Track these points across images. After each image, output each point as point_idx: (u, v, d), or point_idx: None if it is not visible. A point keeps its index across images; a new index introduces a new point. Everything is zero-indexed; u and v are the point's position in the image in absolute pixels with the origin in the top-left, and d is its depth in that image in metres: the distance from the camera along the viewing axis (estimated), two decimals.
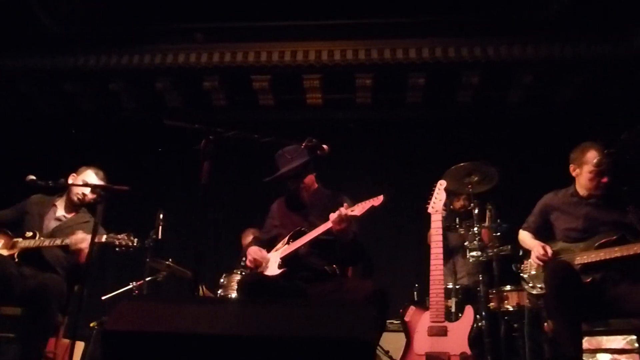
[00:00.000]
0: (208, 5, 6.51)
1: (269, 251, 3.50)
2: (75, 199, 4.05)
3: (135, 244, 3.77)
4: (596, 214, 3.44)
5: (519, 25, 6.54)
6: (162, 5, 6.55)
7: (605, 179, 3.40)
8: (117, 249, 3.73)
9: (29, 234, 3.81)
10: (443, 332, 3.30)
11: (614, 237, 3.25)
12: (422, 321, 3.40)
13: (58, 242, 3.72)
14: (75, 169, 4.17)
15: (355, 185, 6.72)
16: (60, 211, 4.08)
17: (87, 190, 4.02)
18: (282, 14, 6.54)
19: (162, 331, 1.78)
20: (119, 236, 3.73)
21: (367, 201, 3.13)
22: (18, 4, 6.43)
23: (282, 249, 3.35)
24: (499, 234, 4.74)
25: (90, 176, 4.02)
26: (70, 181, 4.01)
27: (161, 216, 4.96)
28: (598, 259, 3.22)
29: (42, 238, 3.78)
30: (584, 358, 3.75)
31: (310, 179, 3.63)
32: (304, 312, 1.82)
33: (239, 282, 3.35)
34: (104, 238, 3.69)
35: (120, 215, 6.12)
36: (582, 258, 3.27)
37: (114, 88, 7.30)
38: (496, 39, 6.65)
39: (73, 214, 4.10)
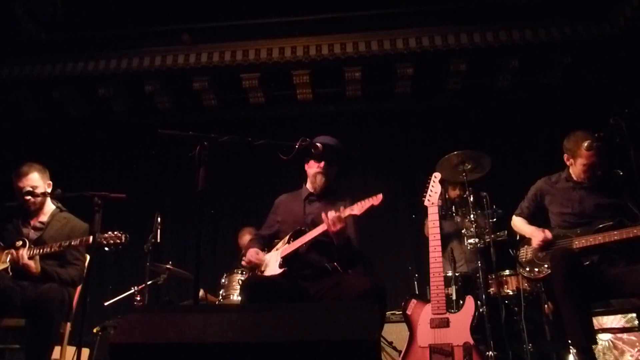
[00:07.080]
0: (193, 5, 6.50)
1: (270, 249, 3.50)
2: (29, 205, 3.80)
3: (124, 241, 3.57)
4: (591, 197, 3.44)
5: (504, 10, 6.55)
6: (147, 8, 6.54)
7: (600, 172, 3.39)
8: (106, 249, 3.55)
9: (19, 243, 3.63)
10: (445, 323, 3.32)
11: (612, 223, 3.25)
12: (423, 314, 3.42)
13: (47, 249, 3.59)
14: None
15: (349, 178, 6.78)
16: (32, 218, 3.88)
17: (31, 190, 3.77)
18: (269, 11, 6.54)
19: (169, 342, 1.79)
20: (105, 235, 3.54)
21: (366, 200, 3.09)
22: (2, 13, 6.41)
23: (283, 248, 3.35)
24: (494, 220, 4.79)
25: (34, 177, 3.80)
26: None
27: (159, 220, 4.95)
28: (596, 243, 3.22)
29: (32, 246, 3.62)
30: None
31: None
32: (308, 315, 1.84)
33: (242, 285, 3.35)
34: (90, 240, 3.51)
35: (118, 221, 6.14)
36: (581, 242, 3.27)
37: (103, 93, 7.27)
38: (482, 25, 6.67)
39: (44, 217, 3.89)
